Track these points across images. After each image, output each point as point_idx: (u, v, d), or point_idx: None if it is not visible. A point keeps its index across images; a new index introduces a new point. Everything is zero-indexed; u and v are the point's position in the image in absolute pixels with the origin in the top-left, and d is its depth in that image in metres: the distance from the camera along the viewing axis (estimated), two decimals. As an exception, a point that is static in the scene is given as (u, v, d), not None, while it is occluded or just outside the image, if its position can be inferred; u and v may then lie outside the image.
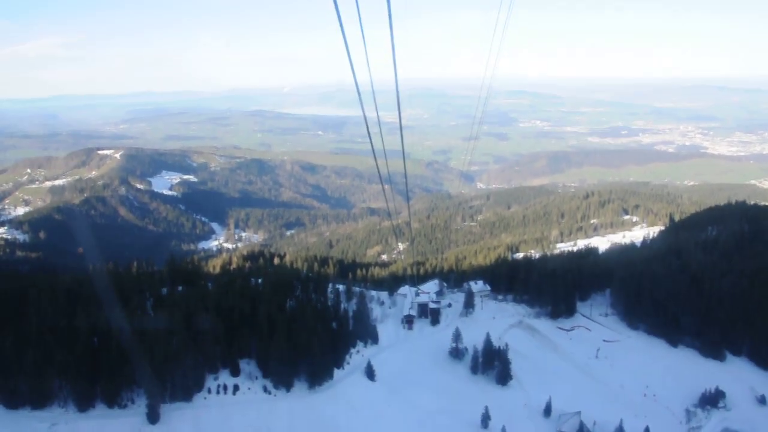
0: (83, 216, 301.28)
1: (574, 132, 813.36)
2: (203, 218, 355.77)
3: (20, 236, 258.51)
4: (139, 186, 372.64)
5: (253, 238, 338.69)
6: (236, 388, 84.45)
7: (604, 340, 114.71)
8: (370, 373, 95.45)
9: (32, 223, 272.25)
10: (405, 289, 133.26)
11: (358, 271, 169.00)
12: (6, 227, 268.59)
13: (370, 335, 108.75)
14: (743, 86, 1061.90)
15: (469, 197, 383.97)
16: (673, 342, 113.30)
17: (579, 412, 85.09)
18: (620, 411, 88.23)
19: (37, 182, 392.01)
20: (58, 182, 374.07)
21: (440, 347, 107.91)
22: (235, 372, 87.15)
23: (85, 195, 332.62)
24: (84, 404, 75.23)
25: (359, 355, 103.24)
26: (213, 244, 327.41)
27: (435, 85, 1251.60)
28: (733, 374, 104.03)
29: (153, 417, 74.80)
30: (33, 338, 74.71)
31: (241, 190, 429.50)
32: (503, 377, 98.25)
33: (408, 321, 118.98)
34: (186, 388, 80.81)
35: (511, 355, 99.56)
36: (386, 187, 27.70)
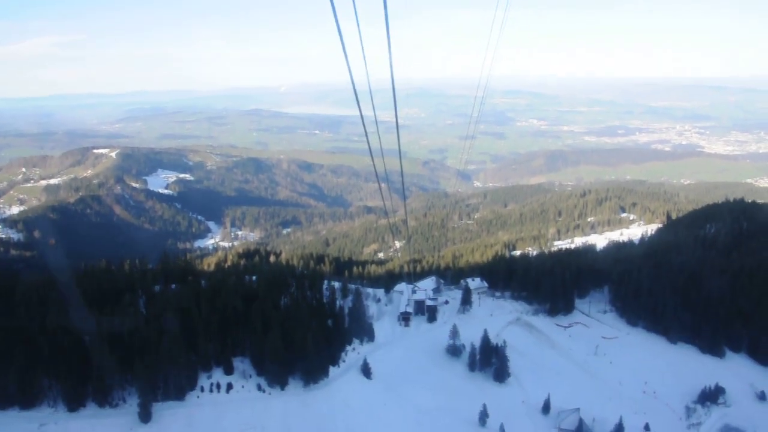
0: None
1: (570, 131, 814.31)
2: (199, 217, 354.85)
3: (15, 235, 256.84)
4: (134, 185, 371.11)
5: (249, 236, 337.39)
6: (230, 386, 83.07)
7: (602, 337, 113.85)
8: (366, 370, 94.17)
9: (27, 222, 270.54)
10: (402, 286, 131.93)
11: (355, 269, 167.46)
12: (0, 226, 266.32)
13: (366, 332, 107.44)
14: (739, 86, 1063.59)
15: (466, 195, 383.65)
16: (672, 339, 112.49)
17: (578, 409, 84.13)
18: (619, 408, 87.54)
19: (32, 181, 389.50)
20: (54, 181, 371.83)
21: (437, 344, 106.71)
22: (229, 370, 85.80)
23: (81, 194, 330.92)
24: (74, 404, 73.75)
25: (355, 352, 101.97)
26: (209, 242, 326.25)
27: (432, 85, 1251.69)
28: (733, 371, 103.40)
29: (145, 416, 73.36)
30: (21, 337, 73.15)
31: (237, 188, 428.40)
32: (501, 374, 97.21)
33: (405, 318, 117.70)
34: (179, 387, 79.41)
35: (509, 353, 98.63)
36: (383, 185, 27.72)
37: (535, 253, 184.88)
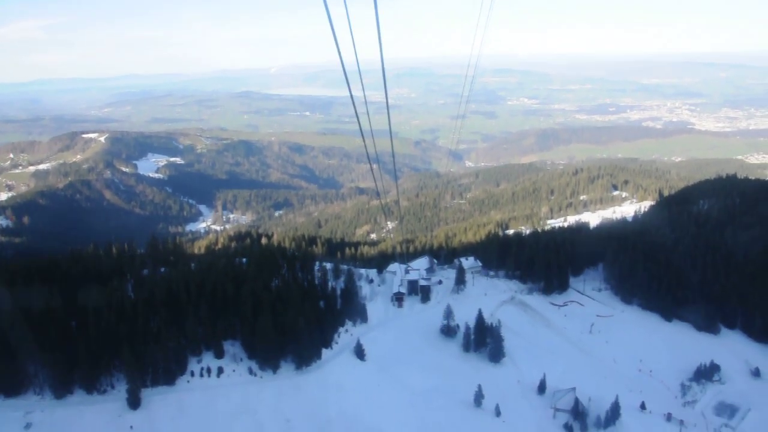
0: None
1: (561, 109, 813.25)
2: (190, 200, 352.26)
3: (3, 221, 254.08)
4: (124, 169, 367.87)
5: (241, 219, 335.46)
6: (220, 370, 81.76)
7: (597, 315, 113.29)
8: (359, 352, 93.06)
9: (15, 207, 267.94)
10: (394, 267, 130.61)
11: (347, 250, 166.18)
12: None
13: (359, 314, 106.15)
14: (730, 62, 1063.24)
15: (458, 175, 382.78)
16: (668, 316, 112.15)
17: (574, 389, 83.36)
18: (615, 386, 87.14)
19: (20, 167, 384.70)
20: (42, 167, 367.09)
21: (431, 325, 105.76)
22: (219, 354, 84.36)
23: (70, 179, 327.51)
24: (61, 391, 72.24)
25: (348, 334, 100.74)
26: (201, 226, 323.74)
27: (422, 65, 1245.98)
28: (728, 347, 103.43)
29: (134, 402, 72.01)
30: (5, 323, 71.23)
31: (228, 171, 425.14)
32: (496, 354, 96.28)
33: (398, 299, 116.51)
34: (168, 372, 78.01)
35: (503, 332, 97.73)
36: (374, 166, 27.71)
37: (528, 231, 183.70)
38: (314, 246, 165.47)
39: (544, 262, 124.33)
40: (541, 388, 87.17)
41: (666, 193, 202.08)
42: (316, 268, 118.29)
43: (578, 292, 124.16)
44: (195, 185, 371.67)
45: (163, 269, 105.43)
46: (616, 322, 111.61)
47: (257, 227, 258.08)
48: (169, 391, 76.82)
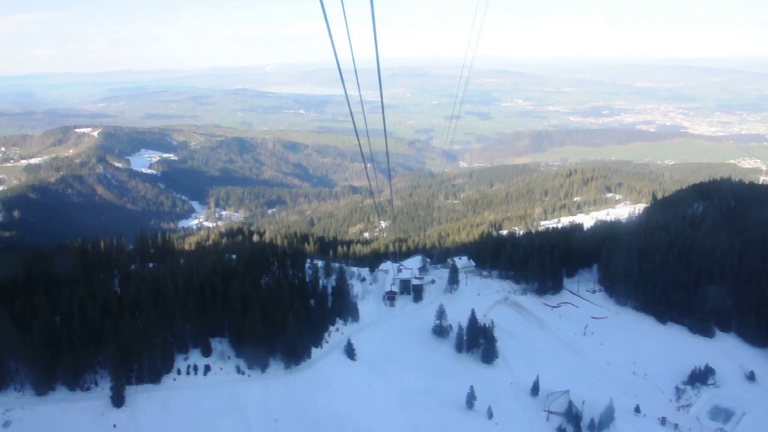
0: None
1: (556, 111, 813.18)
2: (183, 197, 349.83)
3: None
4: (117, 164, 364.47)
5: (233, 216, 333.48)
6: (208, 368, 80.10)
7: (591, 317, 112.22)
8: (350, 351, 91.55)
9: (6, 201, 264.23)
10: (387, 265, 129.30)
11: (339, 248, 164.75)
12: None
13: (350, 312, 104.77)
14: (724, 66, 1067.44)
15: (452, 176, 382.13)
16: (662, 318, 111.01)
17: (567, 391, 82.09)
18: (609, 389, 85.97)
19: (11, 161, 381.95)
20: (34, 161, 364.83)
21: (423, 325, 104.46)
22: (207, 352, 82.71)
23: (62, 173, 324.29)
24: (43, 387, 70.44)
25: (339, 333, 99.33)
26: (193, 222, 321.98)
27: (418, 65, 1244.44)
28: (723, 351, 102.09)
29: (118, 400, 70.20)
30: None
31: (221, 168, 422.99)
32: (489, 355, 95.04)
33: (390, 298, 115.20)
34: (154, 369, 76.27)
35: (497, 333, 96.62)
36: (368, 165, 29.12)
37: (521, 232, 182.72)
38: (306, 244, 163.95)
39: (538, 262, 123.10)
40: (535, 390, 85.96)
41: (659, 195, 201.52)
42: (308, 265, 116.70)
43: (572, 293, 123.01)
44: (188, 182, 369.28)
45: (151, 264, 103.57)
46: (610, 324, 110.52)
47: (249, 224, 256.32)
48: (155, 389, 75.06)
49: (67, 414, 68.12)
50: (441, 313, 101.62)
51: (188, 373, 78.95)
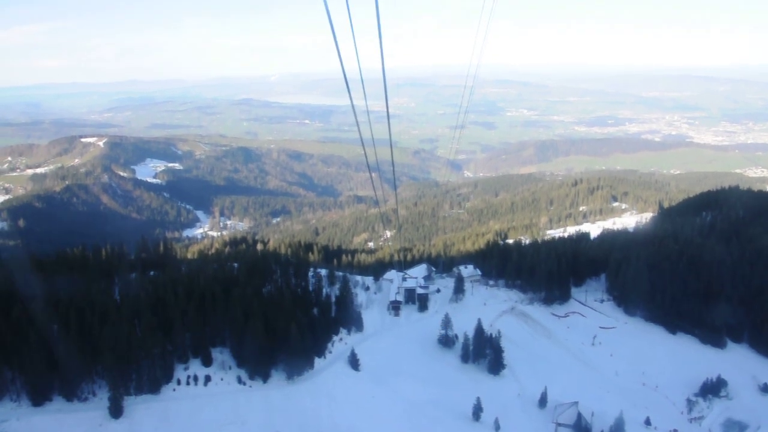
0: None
1: (561, 121, 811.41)
2: (188, 206, 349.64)
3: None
4: (122, 174, 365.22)
5: (238, 225, 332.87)
6: (208, 378, 78.59)
7: (600, 327, 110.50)
8: (353, 362, 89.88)
9: (11, 210, 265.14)
10: (391, 274, 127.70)
11: (344, 258, 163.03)
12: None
13: (354, 322, 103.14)
14: (729, 76, 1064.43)
15: (457, 185, 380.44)
16: (672, 329, 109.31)
17: (576, 403, 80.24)
18: (619, 401, 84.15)
19: (17, 170, 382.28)
20: (40, 170, 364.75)
21: (429, 335, 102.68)
22: (207, 361, 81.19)
23: (67, 183, 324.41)
24: (39, 398, 68.95)
25: (342, 343, 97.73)
26: (198, 231, 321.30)
27: (423, 75, 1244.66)
28: (735, 362, 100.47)
29: (116, 411, 68.62)
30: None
31: (226, 177, 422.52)
32: (496, 366, 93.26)
33: (394, 307, 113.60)
34: (153, 380, 74.74)
35: (503, 343, 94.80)
36: (373, 174, 27.57)
37: (527, 241, 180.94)
38: (310, 253, 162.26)
39: (545, 271, 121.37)
40: (542, 401, 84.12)
41: (666, 204, 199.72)
42: (311, 274, 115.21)
43: (580, 302, 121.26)
44: (193, 191, 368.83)
45: (152, 273, 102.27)
46: (619, 334, 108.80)
47: (254, 234, 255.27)
48: (154, 400, 73.53)
49: (64, 425, 66.56)
50: (446, 323, 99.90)
51: (188, 383, 77.42)
